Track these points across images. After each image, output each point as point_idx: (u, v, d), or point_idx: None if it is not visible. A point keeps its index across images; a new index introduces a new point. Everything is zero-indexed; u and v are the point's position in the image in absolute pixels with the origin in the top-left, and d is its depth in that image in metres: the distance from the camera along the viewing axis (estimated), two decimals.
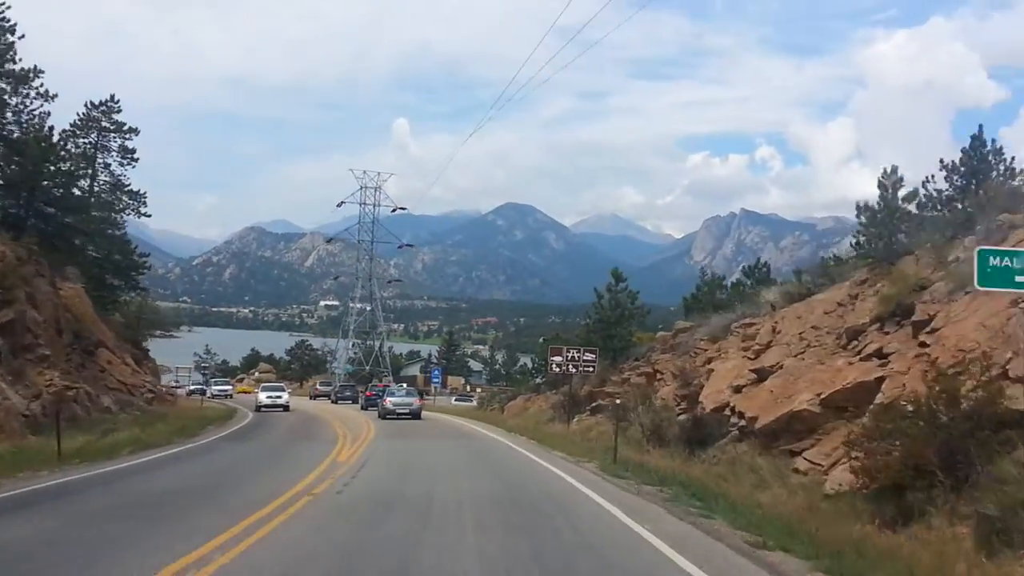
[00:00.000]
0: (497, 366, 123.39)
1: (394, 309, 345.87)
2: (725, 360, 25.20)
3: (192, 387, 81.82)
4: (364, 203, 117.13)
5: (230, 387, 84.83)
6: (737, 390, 21.83)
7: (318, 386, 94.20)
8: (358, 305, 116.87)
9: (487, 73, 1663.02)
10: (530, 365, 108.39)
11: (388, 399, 44.29)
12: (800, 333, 22.29)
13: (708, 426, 22.23)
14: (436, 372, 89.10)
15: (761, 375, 21.41)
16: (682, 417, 24.20)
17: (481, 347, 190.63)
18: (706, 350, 28.22)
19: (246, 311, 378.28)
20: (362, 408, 56.77)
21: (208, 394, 69.96)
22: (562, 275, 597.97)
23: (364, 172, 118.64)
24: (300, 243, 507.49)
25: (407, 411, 41.99)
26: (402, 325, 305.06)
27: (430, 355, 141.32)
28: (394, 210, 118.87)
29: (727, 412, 21.57)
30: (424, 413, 44.95)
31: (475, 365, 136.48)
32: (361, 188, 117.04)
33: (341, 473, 17.43)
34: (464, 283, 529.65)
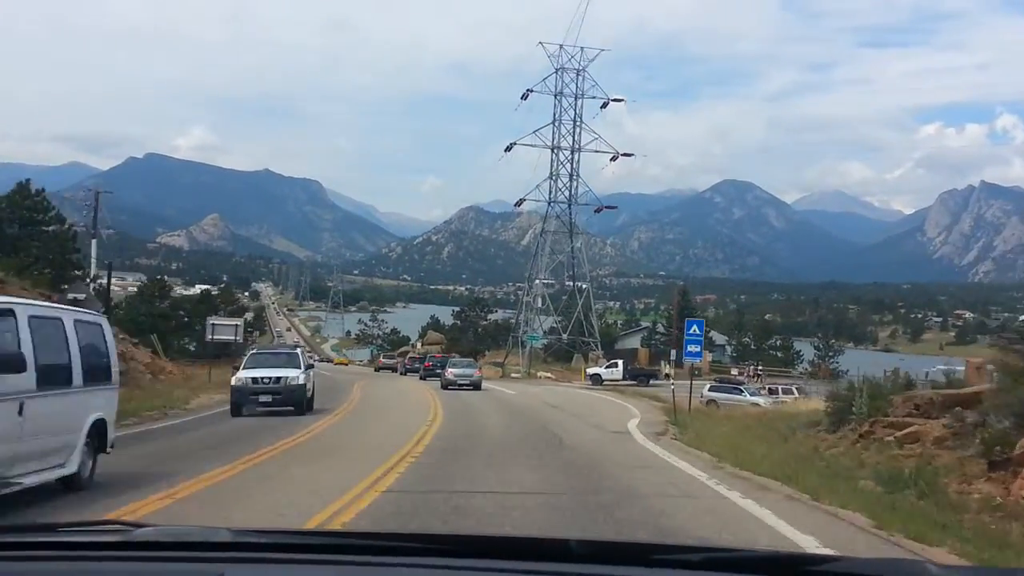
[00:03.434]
0: (746, 339, 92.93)
1: (610, 287, 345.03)
2: None
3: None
4: (559, 94, 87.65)
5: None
6: None
7: (383, 359, 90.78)
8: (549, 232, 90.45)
9: (705, 50, 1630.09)
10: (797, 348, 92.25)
11: (450, 370, 45.86)
12: None
13: None
14: (695, 325, 27.95)
15: None
16: None
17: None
18: None
19: (463, 289, 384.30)
20: (421, 378, 58.22)
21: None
22: (782, 253, 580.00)
23: (560, 47, 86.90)
24: (517, 222, 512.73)
25: (468, 382, 43.64)
26: (618, 303, 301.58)
27: (654, 324, 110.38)
28: (604, 105, 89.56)
29: None
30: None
31: (718, 337, 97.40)
32: (557, 71, 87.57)
33: None
34: (681, 261, 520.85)
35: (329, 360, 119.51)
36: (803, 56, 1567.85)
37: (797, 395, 43.07)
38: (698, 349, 26.79)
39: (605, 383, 58.12)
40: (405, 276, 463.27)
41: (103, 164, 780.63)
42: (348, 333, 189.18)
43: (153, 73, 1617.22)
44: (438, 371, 52.02)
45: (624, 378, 59.72)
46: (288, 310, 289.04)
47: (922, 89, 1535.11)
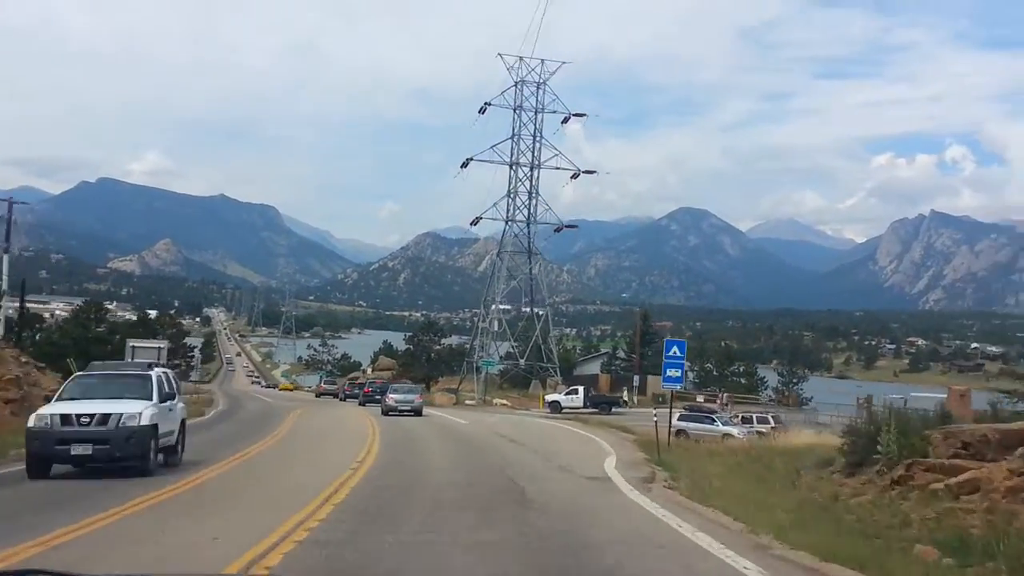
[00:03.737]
0: (708, 365, 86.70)
1: (566, 314, 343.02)
2: None
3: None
4: (518, 108, 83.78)
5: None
6: None
7: (323, 384, 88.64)
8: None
9: (662, 78, 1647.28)
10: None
11: (391, 396, 44.72)
12: None
13: None
14: (675, 346, 23.84)
15: None
16: None
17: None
18: None
19: (418, 315, 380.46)
20: (360, 404, 57.48)
21: None
22: (737, 281, 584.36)
23: (520, 59, 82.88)
24: (474, 248, 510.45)
25: (409, 408, 42.44)
26: (575, 329, 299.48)
27: (614, 349, 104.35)
28: (566, 120, 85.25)
29: None
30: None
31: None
32: (516, 84, 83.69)
33: None
34: (637, 288, 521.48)
35: (274, 386, 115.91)
36: (758, 86, 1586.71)
37: (774, 424, 40.09)
38: (678, 373, 22.99)
39: (564, 411, 55.36)
40: (361, 302, 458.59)
41: (55, 188, 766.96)
42: (300, 359, 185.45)
43: (108, 96, 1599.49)
44: (377, 397, 51.95)
45: (585, 405, 56.76)
46: (240, 336, 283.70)
47: (874, 120, 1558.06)
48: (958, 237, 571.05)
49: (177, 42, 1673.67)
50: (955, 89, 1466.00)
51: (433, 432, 30.72)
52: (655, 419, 23.72)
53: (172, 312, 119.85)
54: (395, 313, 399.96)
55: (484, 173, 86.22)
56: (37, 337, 62.74)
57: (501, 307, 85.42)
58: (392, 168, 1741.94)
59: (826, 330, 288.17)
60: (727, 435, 34.49)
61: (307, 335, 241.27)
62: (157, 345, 38.17)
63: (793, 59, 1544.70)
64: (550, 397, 61.70)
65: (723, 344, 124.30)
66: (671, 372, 22.65)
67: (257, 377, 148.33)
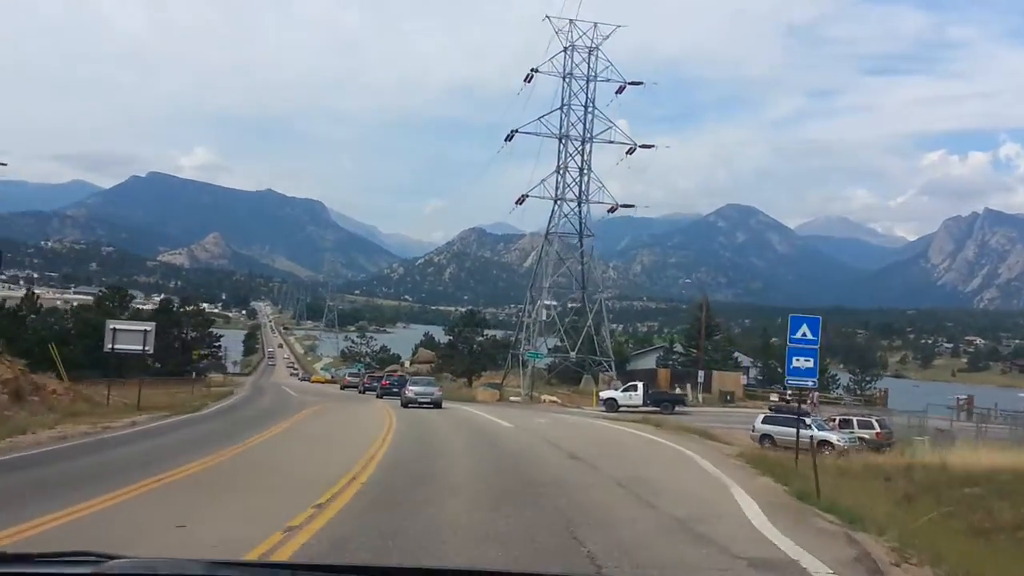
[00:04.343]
0: (771, 362, 78.91)
1: (612, 310, 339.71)
2: None
3: None
4: (568, 75, 76.19)
5: None
6: None
7: (348, 377, 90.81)
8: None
9: (710, 75, 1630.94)
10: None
11: (410, 388, 45.01)
12: None
13: None
14: (804, 324, 16.50)
15: None
16: None
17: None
18: None
19: (463, 310, 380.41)
20: (378, 397, 57.56)
21: None
22: (786, 278, 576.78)
23: (570, 22, 75.82)
24: (519, 244, 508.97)
25: (428, 400, 42.54)
26: (620, 326, 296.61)
27: (671, 344, 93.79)
28: (621, 89, 77.18)
29: None
30: None
31: (743, 359, 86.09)
32: (566, 50, 76.21)
33: None
34: (684, 285, 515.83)
35: (308, 378, 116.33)
36: (807, 83, 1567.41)
37: (879, 429, 34.07)
38: (811, 364, 16.09)
39: (621, 409, 50.88)
40: (406, 296, 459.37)
41: (105, 183, 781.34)
42: (343, 353, 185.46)
43: (158, 93, 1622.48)
44: (395, 390, 52.61)
45: (645, 403, 51.89)
46: (284, 329, 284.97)
47: (925, 117, 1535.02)
48: (1013, 235, 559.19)
49: (224, 41, 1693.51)
50: (1009, 85, 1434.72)
51: (462, 439, 23.34)
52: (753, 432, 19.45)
53: (202, 303, 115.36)
54: (441, 308, 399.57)
55: (530, 147, 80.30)
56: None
57: (547, 303, 77.48)
58: (435, 164, 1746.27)
59: (879, 328, 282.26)
60: (824, 443, 29.53)
61: (352, 328, 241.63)
62: (142, 327, 33.61)
63: (841, 56, 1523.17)
64: (605, 394, 56.67)
65: (772, 341, 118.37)
66: (800, 362, 16.07)
67: (296, 369, 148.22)
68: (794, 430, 24.45)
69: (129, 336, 32.62)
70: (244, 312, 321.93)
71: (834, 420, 35.87)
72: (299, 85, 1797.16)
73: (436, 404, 42.52)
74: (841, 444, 29.62)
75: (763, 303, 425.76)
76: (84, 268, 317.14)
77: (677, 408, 51.97)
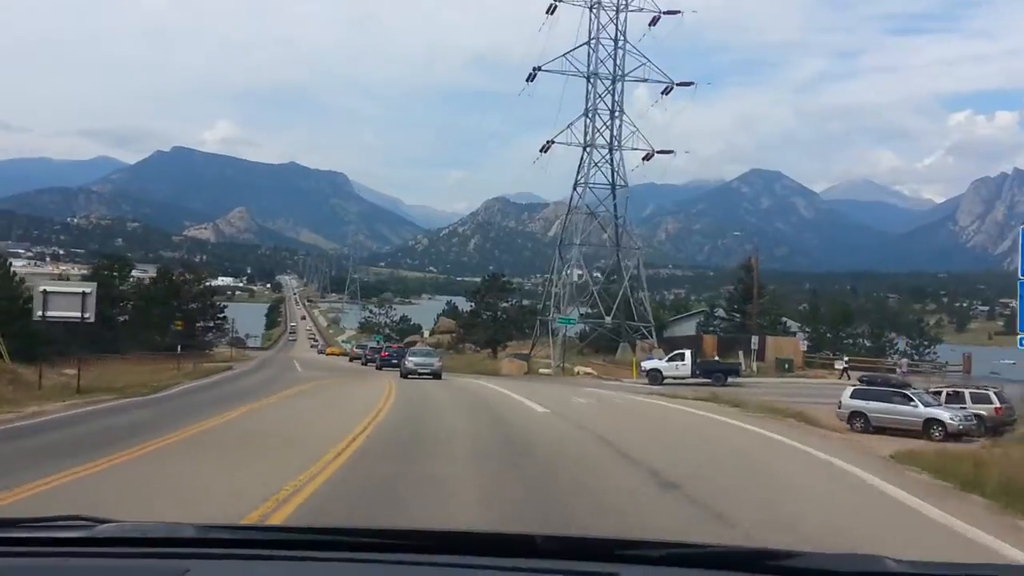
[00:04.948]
0: (822, 329, 74.21)
1: (637, 277, 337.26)
2: None
3: None
4: (595, 5, 67.91)
5: None
6: None
7: (355, 349, 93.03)
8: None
9: (731, 39, 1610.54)
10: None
11: (410, 359, 45.32)
12: None
13: None
14: None
15: None
16: None
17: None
18: None
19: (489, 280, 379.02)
20: (377, 368, 57.73)
21: None
22: (811, 243, 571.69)
23: None
24: (544, 213, 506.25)
25: (428, 371, 42.46)
26: (648, 294, 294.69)
27: (712, 308, 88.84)
28: (654, 21, 68.65)
29: None
30: None
31: (791, 324, 77.88)
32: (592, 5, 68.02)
33: None
34: (709, 252, 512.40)
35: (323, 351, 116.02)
36: (830, 44, 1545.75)
37: (999, 404, 28.34)
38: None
39: (665, 381, 46.00)
40: (431, 268, 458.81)
41: (130, 158, 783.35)
42: (361, 324, 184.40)
43: (180, 68, 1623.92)
44: (394, 361, 53.04)
45: (694, 374, 47.11)
46: (308, 301, 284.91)
47: (951, 76, 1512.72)
48: None
49: (245, 14, 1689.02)
50: None
51: (480, 442, 15.28)
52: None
53: (207, 274, 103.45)
54: (466, 279, 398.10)
55: (555, 87, 73.77)
56: None
57: (577, 268, 71.54)
58: (457, 135, 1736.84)
59: (911, 292, 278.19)
60: (933, 422, 25.38)
61: (375, 300, 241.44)
62: (79, 290, 27.96)
63: (865, 16, 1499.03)
64: (648, 364, 50.71)
65: (838, 303, 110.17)
66: None
67: (316, 341, 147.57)
68: (894, 407, 22.06)
69: (64, 300, 27.35)
70: (269, 285, 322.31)
71: (939, 393, 29.50)
72: (321, 57, 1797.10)
73: (435, 375, 42.45)
74: (955, 424, 25.23)
75: (789, 269, 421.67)
76: (110, 244, 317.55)
77: (730, 379, 46.26)
